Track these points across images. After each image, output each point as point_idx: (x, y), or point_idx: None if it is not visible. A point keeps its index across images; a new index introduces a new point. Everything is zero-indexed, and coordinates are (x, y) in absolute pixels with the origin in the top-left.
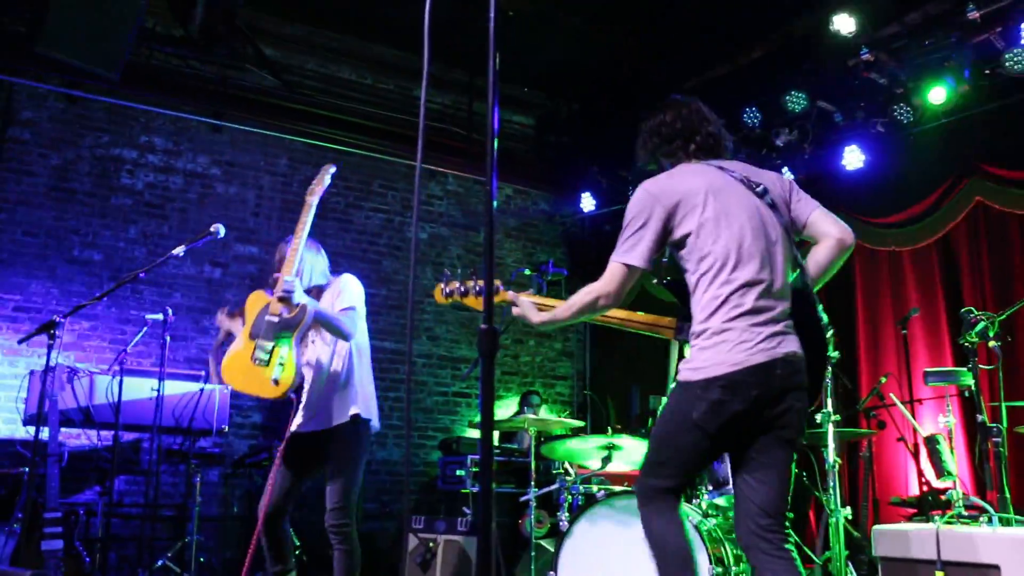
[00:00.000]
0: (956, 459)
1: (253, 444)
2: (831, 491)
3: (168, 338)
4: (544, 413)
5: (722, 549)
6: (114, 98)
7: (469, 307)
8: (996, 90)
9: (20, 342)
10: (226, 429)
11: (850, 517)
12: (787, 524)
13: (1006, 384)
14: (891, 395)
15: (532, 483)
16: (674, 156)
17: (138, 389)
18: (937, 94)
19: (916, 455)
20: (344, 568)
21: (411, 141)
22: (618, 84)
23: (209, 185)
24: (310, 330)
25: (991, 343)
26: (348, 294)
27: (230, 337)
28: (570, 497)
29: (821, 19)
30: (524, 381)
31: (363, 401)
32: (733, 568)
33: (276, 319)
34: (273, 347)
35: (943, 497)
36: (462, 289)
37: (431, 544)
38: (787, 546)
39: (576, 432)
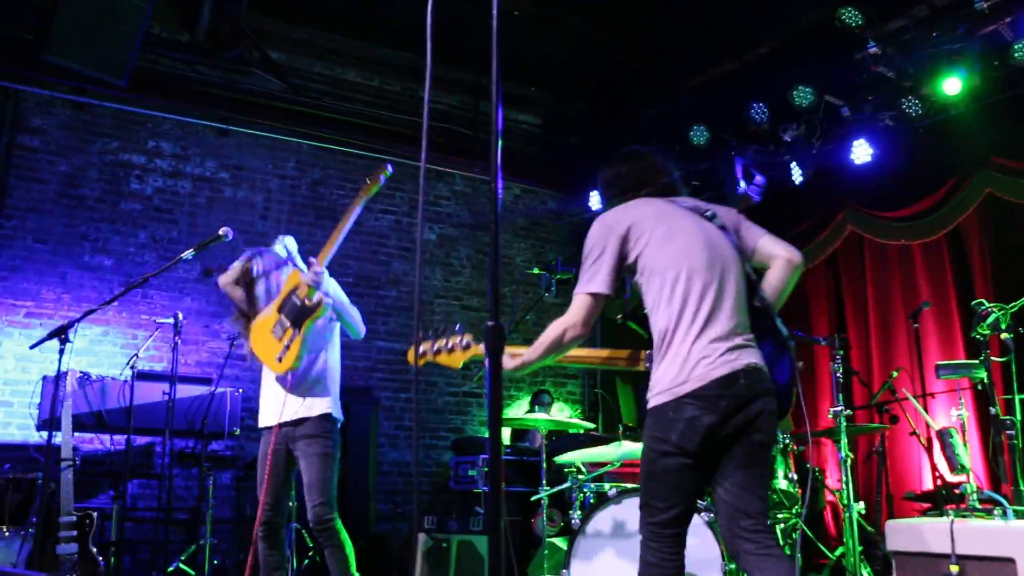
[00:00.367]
0: (969, 453)
1: None
2: (845, 486)
3: (179, 341)
4: (555, 412)
5: None
6: (121, 104)
7: (442, 364)
8: (1005, 81)
9: (32, 348)
10: (238, 431)
11: (864, 512)
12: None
13: (1019, 376)
14: (903, 389)
15: (544, 482)
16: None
17: (150, 393)
18: (952, 85)
19: (929, 449)
20: (339, 565)
21: (418, 142)
22: (623, 83)
23: (218, 189)
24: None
25: (1003, 335)
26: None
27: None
28: (582, 496)
29: (828, 13)
30: (535, 380)
31: (334, 399)
32: None
33: (299, 303)
34: (289, 327)
35: (957, 491)
36: (448, 346)
37: (444, 544)
38: (773, 543)
39: (583, 441)
